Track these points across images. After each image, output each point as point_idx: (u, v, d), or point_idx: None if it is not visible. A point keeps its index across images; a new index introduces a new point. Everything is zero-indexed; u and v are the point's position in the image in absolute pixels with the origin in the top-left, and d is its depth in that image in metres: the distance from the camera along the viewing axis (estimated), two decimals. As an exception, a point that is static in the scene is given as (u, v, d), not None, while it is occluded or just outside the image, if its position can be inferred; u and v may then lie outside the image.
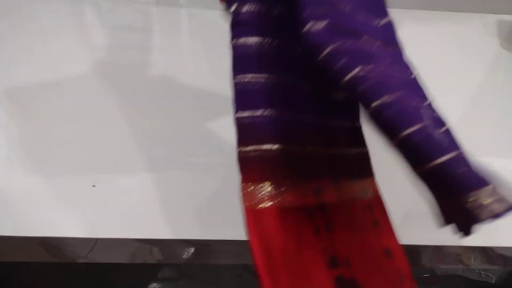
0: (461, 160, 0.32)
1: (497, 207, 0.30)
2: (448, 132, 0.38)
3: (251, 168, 0.33)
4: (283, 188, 0.34)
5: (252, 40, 0.37)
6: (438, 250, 0.45)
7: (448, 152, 0.31)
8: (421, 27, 0.82)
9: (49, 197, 0.45)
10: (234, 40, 0.37)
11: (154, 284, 0.50)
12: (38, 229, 0.42)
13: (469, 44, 0.78)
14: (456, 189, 0.30)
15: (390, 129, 0.31)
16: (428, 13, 0.87)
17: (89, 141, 0.52)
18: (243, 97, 0.35)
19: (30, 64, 0.64)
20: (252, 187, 0.33)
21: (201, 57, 0.69)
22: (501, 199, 0.30)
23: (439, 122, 0.39)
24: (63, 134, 0.53)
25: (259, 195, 0.33)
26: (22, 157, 0.50)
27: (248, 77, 0.36)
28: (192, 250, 0.42)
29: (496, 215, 0.30)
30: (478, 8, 0.93)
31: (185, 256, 0.42)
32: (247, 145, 0.34)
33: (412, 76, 0.40)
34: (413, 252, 0.45)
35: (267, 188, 0.33)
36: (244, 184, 0.33)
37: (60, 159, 0.49)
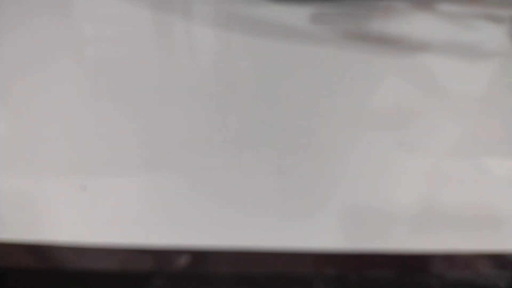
0: None
1: None
2: None
3: None
4: None
5: None
6: (448, 257, 0.43)
7: None
8: (428, 23, 0.82)
9: (37, 200, 0.45)
10: None
11: (147, 293, 0.49)
12: (25, 234, 0.41)
13: (479, 41, 0.78)
14: None
15: None
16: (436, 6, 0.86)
17: (80, 141, 0.51)
18: None
19: (18, 60, 0.63)
20: None
21: (200, 54, 0.69)
22: None
23: None
24: (51, 134, 0.52)
25: None
26: (8, 157, 0.49)
27: None
28: (187, 258, 0.42)
29: None
30: (489, 2, 0.92)
31: (180, 264, 0.41)
32: None
33: None
34: (422, 258, 0.44)
35: None
36: None
37: (48, 159, 0.48)
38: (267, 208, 0.45)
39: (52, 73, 0.61)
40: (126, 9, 0.77)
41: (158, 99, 0.58)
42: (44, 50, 0.65)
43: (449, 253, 0.43)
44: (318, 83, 0.65)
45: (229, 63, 0.68)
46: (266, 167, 0.50)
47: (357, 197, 0.47)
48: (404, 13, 0.84)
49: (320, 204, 0.46)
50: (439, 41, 0.78)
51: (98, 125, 0.53)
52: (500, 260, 0.44)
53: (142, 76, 0.62)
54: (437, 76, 0.69)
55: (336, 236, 0.43)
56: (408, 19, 0.83)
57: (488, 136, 0.57)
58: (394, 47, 0.75)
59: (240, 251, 0.42)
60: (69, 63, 0.63)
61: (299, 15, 0.77)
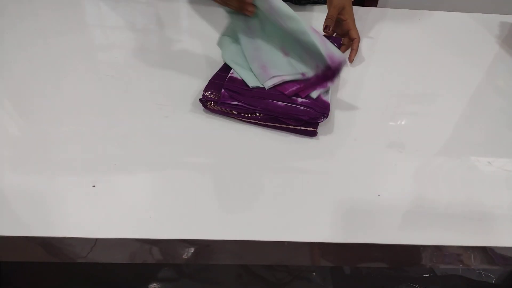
0: None
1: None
2: None
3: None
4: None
5: None
6: (438, 250, 0.45)
7: None
8: (422, 26, 0.82)
9: (49, 197, 0.45)
10: None
11: (154, 284, 0.50)
12: (38, 229, 0.42)
13: (470, 44, 0.78)
14: None
15: None
16: (429, 13, 0.87)
17: (89, 141, 0.52)
18: None
19: (30, 63, 0.64)
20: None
21: (202, 56, 0.69)
22: None
23: None
24: (63, 134, 0.53)
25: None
26: (22, 157, 0.49)
27: None
28: (191, 250, 0.42)
29: None
30: (479, 8, 0.93)
31: (184, 256, 0.42)
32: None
33: None
34: (413, 252, 0.45)
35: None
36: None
37: (60, 159, 0.49)
38: (267, 203, 0.46)
39: (65, 77, 0.62)
40: (135, 16, 0.78)
41: (165, 102, 0.59)
42: (57, 56, 0.65)
43: (440, 246, 0.44)
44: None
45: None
46: (266, 165, 0.51)
47: (352, 193, 0.48)
48: (394, 18, 0.85)
49: (317, 199, 0.47)
50: (429, 44, 0.78)
51: (108, 126, 0.54)
52: (489, 255, 0.46)
53: (149, 81, 0.63)
54: (428, 77, 0.69)
55: (332, 230, 0.44)
56: (398, 24, 0.84)
57: (477, 135, 0.58)
58: (385, 50, 0.76)
59: (241, 243, 0.43)
60: (81, 68, 0.64)
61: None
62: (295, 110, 0.54)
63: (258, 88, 0.57)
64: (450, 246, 0.45)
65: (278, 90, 0.56)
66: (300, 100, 0.55)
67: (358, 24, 0.81)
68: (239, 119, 0.56)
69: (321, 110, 0.55)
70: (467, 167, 0.53)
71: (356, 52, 0.69)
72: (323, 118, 0.55)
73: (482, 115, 0.62)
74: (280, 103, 0.55)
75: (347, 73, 0.68)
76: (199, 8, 0.82)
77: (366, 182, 0.50)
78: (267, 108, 0.54)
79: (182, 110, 0.58)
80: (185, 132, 0.54)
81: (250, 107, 0.55)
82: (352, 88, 0.65)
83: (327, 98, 0.57)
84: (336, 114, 0.59)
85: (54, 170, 0.48)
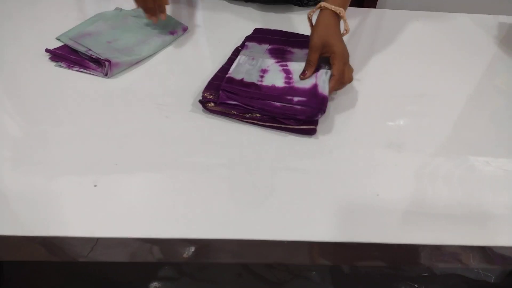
0: None
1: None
2: None
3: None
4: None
5: None
6: (437, 250, 0.45)
7: None
8: (421, 27, 0.83)
9: (50, 196, 0.45)
10: None
11: (155, 283, 0.50)
12: (39, 228, 0.43)
13: (468, 44, 0.79)
14: None
15: None
16: (428, 13, 0.87)
17: (90, 141, 0.52)
18: None
19: (30, 63, 0.64)
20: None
21: (202, 57, 0.70)
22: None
23: None
24: (63, 134, 0.53)
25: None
26: (23, 157, 0.50)
27: None
28: (192, 249, 0.42)
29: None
30: (478, 9, 0.93)
31: (185, 255, 0.42)
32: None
33: None
34: (412, 251, 0.45)
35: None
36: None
37: (60, 159, 0.49)
38: (267, 203, 0.47)
39: (66, 77, 0.62)
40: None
41: (165, 102, 0.59)
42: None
43: (439, 246, 0.44)
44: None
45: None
46: (265, 165, 0.51)
47: (352, 193, 0.48)
48: (392, 19, 0.85)
49: (316, 199, 0.47)
50: (428, 45, 0.78)
51: (108, 127, 0.55)
52: (488, 254, 0.46)
53: (150, 81, 0.63)
54: (426, 78, 0.69)
55: (331, 229, 0.45)
56: (397, 24, 0.84)
57: (476, 135, 0.58)
58: (384, 51, 0.76)
59: (241, 242, 0.43)
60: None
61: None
62: (292, 110, 0.54)
63: (255, 88, 0.57)
64: (449, 245, 0.45)
65: None
66: (296, 99, 0.56)
67: (357, 25, 0.81)
68: (238, 119, 0.56)
69: (318, 105, 0.55)
70: (466, 166, 0.53)
71: (333, 89, 0.59)
72: (321, 114, 0.55)
73: (481, 115, 0.62)
74: (277, 104, 0.55)
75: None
76: (199, 8, 0.82)
77: (366, 182, 0.50)
78: (264, 109, 0.55)
79: (182, 110, 0.58)
80: (185, 132, 0.55)
81: (248, 107, 0.55)
82: (352, 88, 0.65)
83: (324, 91, 0.57)
84: (336, 114, 0.59)
85: (55, 170, 0.48)
